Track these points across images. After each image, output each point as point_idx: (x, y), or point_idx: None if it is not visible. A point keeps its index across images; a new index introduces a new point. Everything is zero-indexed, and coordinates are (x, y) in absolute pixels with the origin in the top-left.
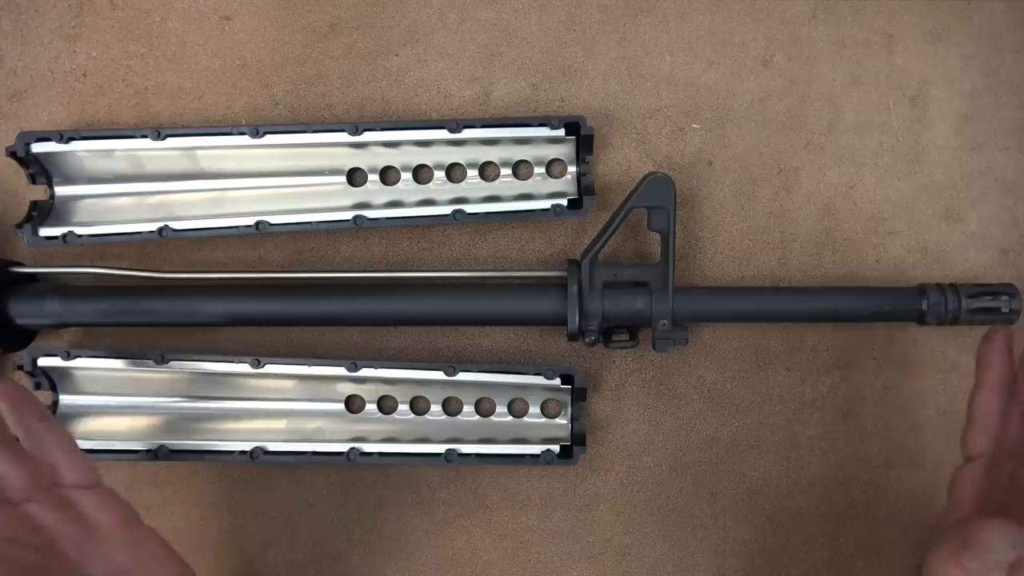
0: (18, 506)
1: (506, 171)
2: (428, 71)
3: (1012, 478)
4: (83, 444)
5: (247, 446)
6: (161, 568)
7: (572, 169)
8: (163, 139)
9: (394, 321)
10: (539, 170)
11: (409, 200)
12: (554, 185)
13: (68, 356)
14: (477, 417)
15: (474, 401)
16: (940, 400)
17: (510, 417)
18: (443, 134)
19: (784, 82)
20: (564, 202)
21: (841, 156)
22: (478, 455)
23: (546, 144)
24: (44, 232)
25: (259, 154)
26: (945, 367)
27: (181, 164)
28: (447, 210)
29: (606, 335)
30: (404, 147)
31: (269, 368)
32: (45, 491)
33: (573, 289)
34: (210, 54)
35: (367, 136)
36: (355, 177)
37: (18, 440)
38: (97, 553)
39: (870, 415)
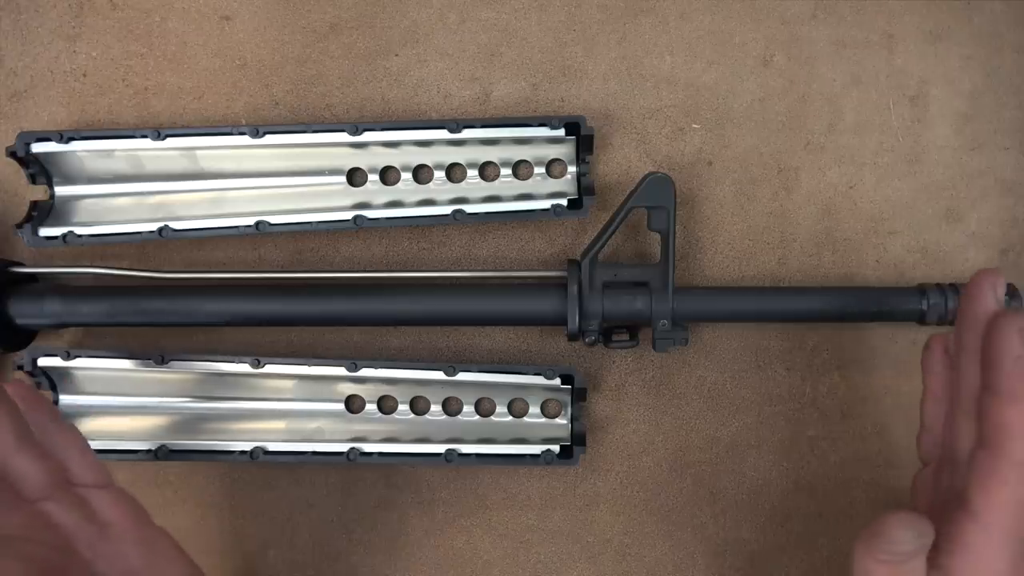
0: (35, 504)
1: (506, 171)
2: (428, 71)
3: (949, 481)
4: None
5: (247, 446)
6: (172, 567)
7: (572, 169)
8: (163, 139)
9: (394, 321)
10: (539, 170)
11: (409, 200)
12: (554, 185)
13: (68, 356)
14: (477, 417)
15: (474, 401)
16: None
17: (510, 417)
18: (443, 134)
19: (784, 82)
20: (564, 202)
21: (841, 156)
22: (478, 455)
23: (546, 144)
24: (44, 232)
25: (259, 154)
26: None
27: (181, 164)
28: (447, 210)
29: (606, 335)
30: (404, 147)
31: (269, 368)
32: (61, 490)
33: (573, 289)
34: (210, 54)
35: (367, 136)
36: (355, 177)
37: (34, 437)
38: (110, 552)
39: (870, 415)
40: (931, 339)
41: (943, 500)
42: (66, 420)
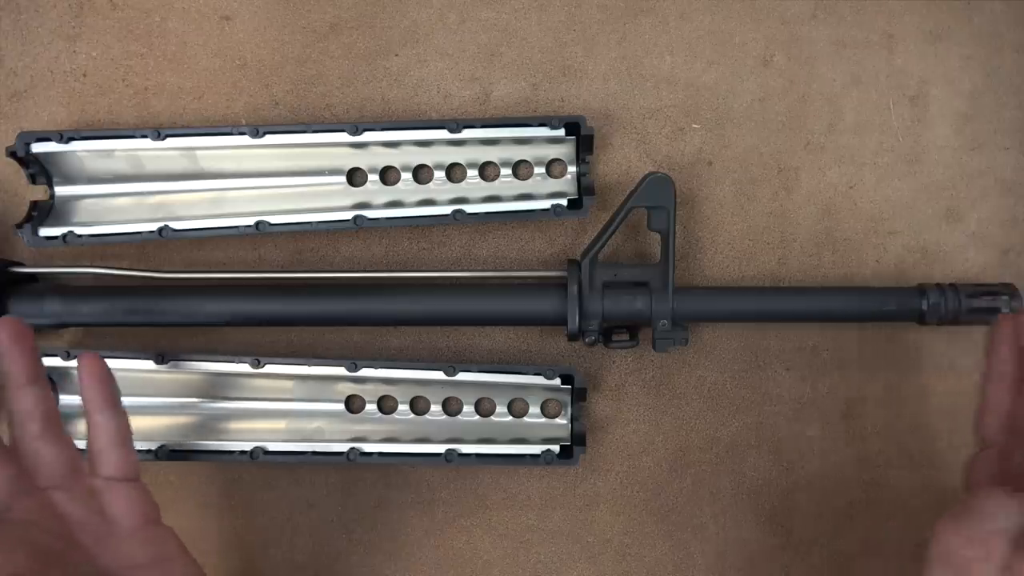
0: (45, 492)
1: (506, 171)
2: (428, 71)
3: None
4: (83, 444)
5: (247, 446)
6: (174, 566)
7: (572, 169)
8: (163, 139)
9: (394, 321)
10: (539, 170)
11: (409, 200)
12: (554, 185)
13: (68, 356)
14: (477, 417)
15: (474, 401)
16: (940, 400)
17: (510, 417)
18: (443, 134)
19: (784, 82)
20: (564, 202)
21: (841, 156)
22: (478, 455)
23: (546, 144)
24: (44, 232)
25: (259, 154)
26: (945, 367)
27: (181, 164)
28: (447, 210)
29: (606, 335)
30: (404, 147)
31: (269, 368)
32: (74, 480)
33: (573, 289)
34: (210, 54)
35: (367, 136)
36: (355, 177)
37: (61, 425)
38: (114, 546)
39: (870, 415)
40: (1001, 318)
41: (1017, 484)
42: (121, 407)
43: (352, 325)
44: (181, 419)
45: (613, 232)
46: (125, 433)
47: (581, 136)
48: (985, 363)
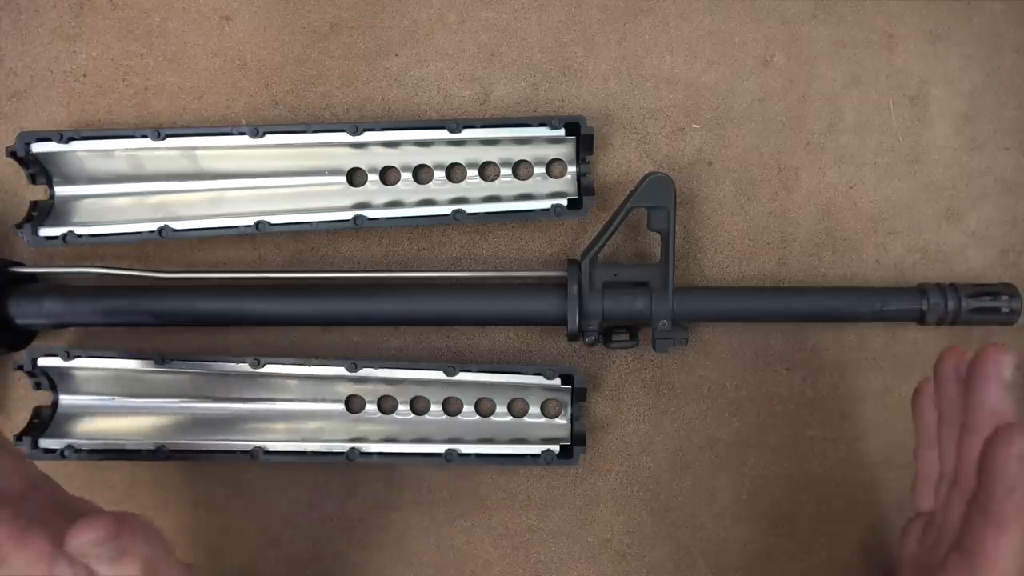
0: None
1: (506, 171)
2: (428, 71)
3: (933, 544)
4: (83, 444)
5: (247, 446)
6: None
7: (572, 169)
8: (163, 139)
9: (394, 321)
10: (539, 170)
11: (409, 200)
12: (554, 185)
13: (68, 356)
14: (477, 417)
15: (474, 401)
16: None
17: (510, 417)
18: (443, 134)
19: (784, 82)
20: (564, 202)
21: (841, 156)
22: (478, 455)
23: (546, 144)
24: (44, 232)
25: (259, 154)
26: None
27: (181, 164)
28: (447, 210)
29: (606, 335)
30: (404, 147)
31: (269, 368)
32: None
33: (573, 289)
34: (210, 54)
35: (367, 136)
36: (355, 177)
37: None
38: None
39: (870, 415)
40: (921, 385)
41: (924, 562)
42: None
43: (352, 325)
44: (181, 419)
45: (613, 232)
46: None
47: (581, 136)
48: (915, 429)
